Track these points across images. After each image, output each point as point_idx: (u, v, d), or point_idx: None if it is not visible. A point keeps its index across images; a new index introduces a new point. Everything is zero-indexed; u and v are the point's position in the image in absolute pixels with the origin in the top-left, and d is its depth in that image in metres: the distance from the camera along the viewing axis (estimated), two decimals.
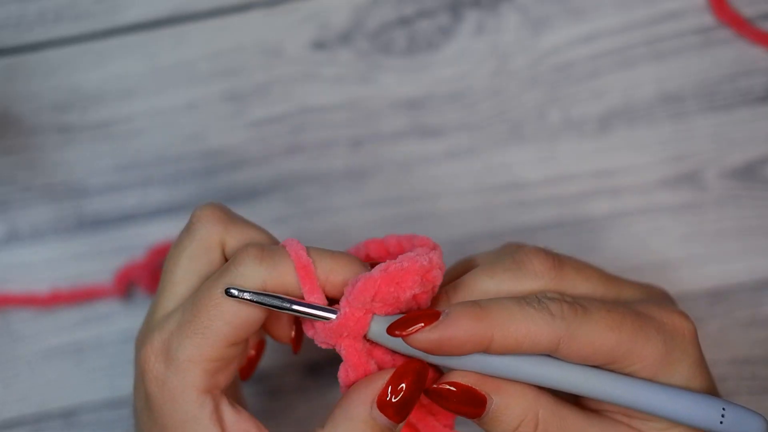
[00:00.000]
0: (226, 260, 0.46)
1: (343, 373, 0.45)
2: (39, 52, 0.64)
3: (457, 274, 0.48)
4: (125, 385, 0.59)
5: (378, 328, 0.44)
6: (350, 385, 0.45)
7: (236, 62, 0.65)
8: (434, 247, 0.46)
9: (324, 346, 0.45)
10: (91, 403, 0.63)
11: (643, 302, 0.47)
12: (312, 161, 0.65)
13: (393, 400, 0.43)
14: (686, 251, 0.64)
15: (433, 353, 0.43)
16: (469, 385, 0.44)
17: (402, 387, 0.44)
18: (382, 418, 0.43)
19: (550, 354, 0.44)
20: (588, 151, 0.64)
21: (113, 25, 0.64)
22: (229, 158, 0.65)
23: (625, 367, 0.44)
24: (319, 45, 0.65)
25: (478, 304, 0.43)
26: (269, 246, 0.45)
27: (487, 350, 0.43)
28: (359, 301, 0.43)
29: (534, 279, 0.45)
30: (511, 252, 0.47)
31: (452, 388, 0.44)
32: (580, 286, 0.46)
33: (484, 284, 0.45)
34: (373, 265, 0.45)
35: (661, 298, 0.49)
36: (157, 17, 0.65)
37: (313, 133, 0.65)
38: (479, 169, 0.64)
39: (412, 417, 0.47)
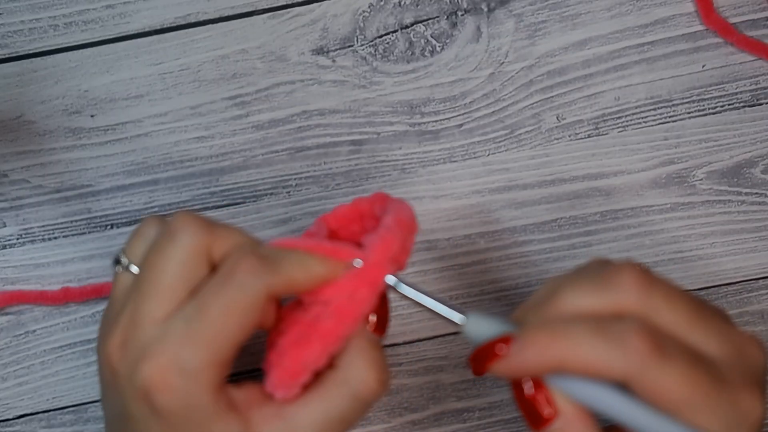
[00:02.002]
0: (213, 266, 0.45)
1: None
2: (50, 57, 0.65)
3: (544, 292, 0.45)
4: None
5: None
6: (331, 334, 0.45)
7: (240, 67, 0.65)
8: (400, 199, 0.48)
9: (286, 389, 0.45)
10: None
11: (728, 365, 0.42)
12: (314, 163, 0.65)
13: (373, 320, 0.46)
14: (676, 251, 0.65)
15: (512, 378, 0.43)
16: (551, 398, 0.43)
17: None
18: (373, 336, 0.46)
19: (622, 385, 0.41)
20: (582, 153, 0.65)
21: (122, 32, 0.65)
22: (234, 160, 0.65)
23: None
24: (321, 50, 0.66)
25: (550, 332, 0.41)
26: (262, 249, 0.45)
27: (561, 373, 0.42)
28: (388, 251, 0.45)
29: (620, 294, 0.42)
30: (601, 265, 0.44)
31: (525, 391, 0.43)
32: (664, 315, 0.42)
33: (567, 297, 0.43)
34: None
35: (752, 364, 0.43)
36: (163, 24, 0.65)
37: (315, 136, 0.65)
38: (477, 171, 0.65)
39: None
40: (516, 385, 0.44)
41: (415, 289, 0.46)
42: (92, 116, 0.65)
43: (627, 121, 0.65)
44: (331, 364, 0.45)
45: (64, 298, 0.64)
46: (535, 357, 0.41)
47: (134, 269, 0.47)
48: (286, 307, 0.48)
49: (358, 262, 0.46)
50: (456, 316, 0.45)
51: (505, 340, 0.42)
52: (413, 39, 0.66)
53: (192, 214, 0.45)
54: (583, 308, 0.42)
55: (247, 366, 0.61)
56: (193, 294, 0.44)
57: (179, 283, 0.44)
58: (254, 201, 0.65)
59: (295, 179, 0.65)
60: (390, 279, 0.46)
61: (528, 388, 0.43)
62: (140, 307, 0.44)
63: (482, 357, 0.43)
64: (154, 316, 0.44)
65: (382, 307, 0.47)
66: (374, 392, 0.45)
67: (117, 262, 0.48)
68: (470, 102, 0.66)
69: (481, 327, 0.45)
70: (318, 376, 0.45)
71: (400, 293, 0.46)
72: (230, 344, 0.43)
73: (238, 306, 0.43)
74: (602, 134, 0.65)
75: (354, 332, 0.45)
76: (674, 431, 0.40)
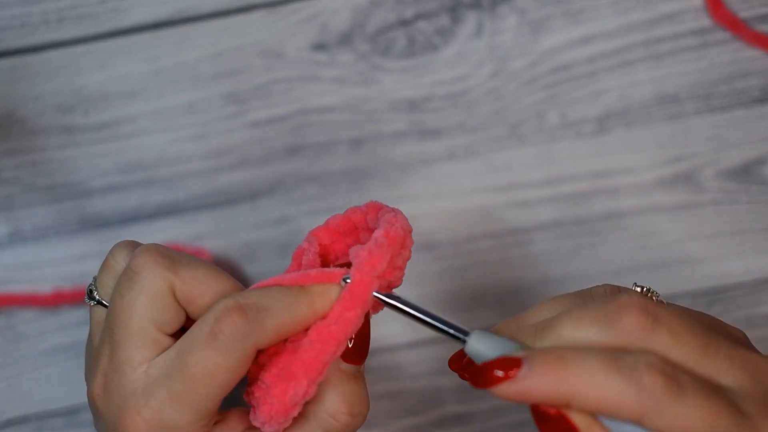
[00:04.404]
0: (179, 304, 0.44)
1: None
2: (42, 53, 0.65)
3: (543, 313, 0.45)
4: None
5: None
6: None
7: (237, 64, 0.65)
8: (394, 210, 0.45)
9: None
10: None
11: (743, 394, 0.40)
12: (312, 162, 0.65)
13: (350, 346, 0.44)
14: (683, 251, 0.64)
15: (512, 401, 0.41)
16: (578, 427, 0.41)
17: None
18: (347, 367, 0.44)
19: (633, 423, 0.40)
20: (586, 151, 0.65)
21: (116, 27, 0.65)
22: (230, 159, 0.65)
23: None
24: (320, 47, 0.65)
25: (561, 361, 0.40)
26: (244, 298, 0.43)
27: (568, 408, 0.41)
28: (375, 266, 0.43)
29: (621, 336, 0.41)
30: (604, 301, 0.42)
31: (557, 418, 0.41)
32: (671, 353, 0.41)
33: (568, 334, 0.42)
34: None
35: (766, 389, 0.42)
36: (158, 19, 0.65)
37: (314, 134, 0.65)
38: (478, 169, 0.65)
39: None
40: (541, 412, 0.42)
41: (407, 304, 0.44)
42: (85, 114, 0.65)
43: (633, 119, 0.65)
44: None
45: (56, 300, 0.63)
46: (545, 385, 0.40)
47: (106, 303, 0.46)
48: None
49: (345, 281, 0.43)
50: (458, 332, 0.43)
51: (515, 361, 0.41)
52: (414, 35, 0.65)
53: (151, 252, 0.44)
54: (586, 342, 0.41)
55: None
56: (169, 336, 0.44)
57: (149, 325, 0.43)
58: (251, 200, 0.65)
59: (292, 178, 0.65)
60: (379, 295, 0.44)
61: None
62: (116, 352, 0.43)
63: (486, 375, 0.41)
64: (132, 361, 0.43)
65: (362, 331, 0.45)
66: (348, 426, 0.44)
67: (90, 294, 0.47)
68: (472, 99, 0.65)
69: (485, 344, 0.43)
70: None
71: (395, 308, 0.44)
72: (215, 402, 0.43)
73: (223, 368, 0.42)
74: (607, 132, 0.65)
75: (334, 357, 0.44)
76: None
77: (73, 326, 0.64)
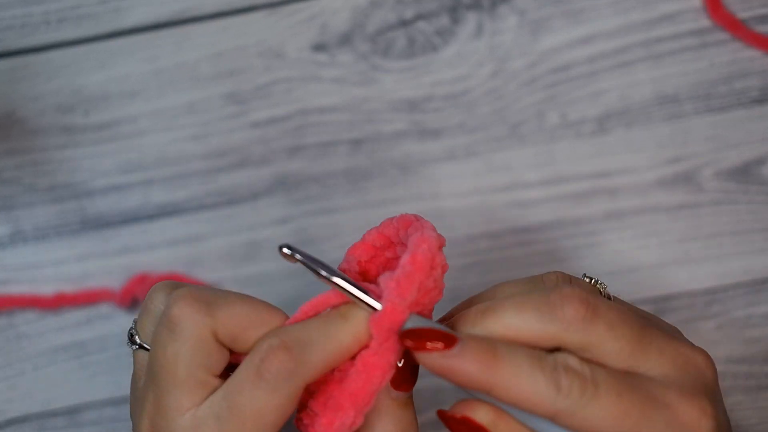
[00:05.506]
0: (223, 345, 0.44)
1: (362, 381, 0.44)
2: (43, 54, 0.65)
3: (495, 296, 0.46)
4: (127, 384, 0.59)
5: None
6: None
7: (238, 64, 0.65)
8: (422, 226, 0.45)
9: None
10: (94, 402, 0.64)
11: (667, 383, 0.43)
12: (312, 162, 0.65)
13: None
14: (682, 251, 0.64)
15: (435, 373, 0.43)
16: (484, 426, 0.43)
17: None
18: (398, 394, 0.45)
19: (547, 419, 0.42)
20: (586, 152, 0.65)
21: (116, 28, 0.65)
22: (231, 159, 0.65)
23: None
24: (320, 47, 0.65)
25: (492, 352, 0.42)
26: (287, 335, 0.43)
27: (487, 394, 0.42)
28: (404, 295, 0.43)
29: (560, 325, 0.43)
30: (547, 289, 0.44)
31: (463, 422, 0.43)
32: (606, 344, 0.43)
33: (510, 318, 0.43)
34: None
35: (697, 377, 0.44)
36: (159, 19, 0.65)
37: (314, 134, 0.65)
38: (478, 169, 0.65)
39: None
40: (447, 417, 0.44)
41: (332, 272, 0.43)
42: (86, 114, 0.65)
43: (632, 119, 0.65)
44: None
45: (58, 303, 0.63)
46: (472, 369, 0.42)
47: (147, 347, 0.46)
48: None
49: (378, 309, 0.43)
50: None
51: (451, 338, 0.42)
52: (414, 35, 0.65)
53: (188, 298, 0.44)
54: (523, 332, 0.43)
55: None
56: (216, 377, 0.44)
57: (196, 371, 0.43)
58: (252, 200, 0.65)
59: (292, 178, 0.65)
60: (287, 250, 0.44)
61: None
62: (162, 398, 0.44)
63: (421, 337, 0.42)
64: (181, 407, 0.43)
65: (409, 358, 0.45)
66: None
67: (131, 339, 0.47)
68: (472, 99, 0.65)
69: (420, 322, 0.44)
70: None
71: (320, 276, 0.44)
72: None
73: (272, 406, 0.42)
74: (607, 132, 0.65)
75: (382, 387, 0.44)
76: None
77: (74, 326, 0.64)
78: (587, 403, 0.41)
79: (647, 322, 0.45)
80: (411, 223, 0.46)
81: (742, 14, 0.65)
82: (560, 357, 0.42)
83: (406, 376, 0.45)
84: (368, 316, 0.44)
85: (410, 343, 0.42)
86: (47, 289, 0.64)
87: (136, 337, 0.47)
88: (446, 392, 0.64)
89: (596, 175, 0.65)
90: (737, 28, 0.64)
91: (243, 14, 0.65)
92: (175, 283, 0.47)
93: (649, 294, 0.64)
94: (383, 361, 0.43)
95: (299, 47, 0.65)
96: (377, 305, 0.43)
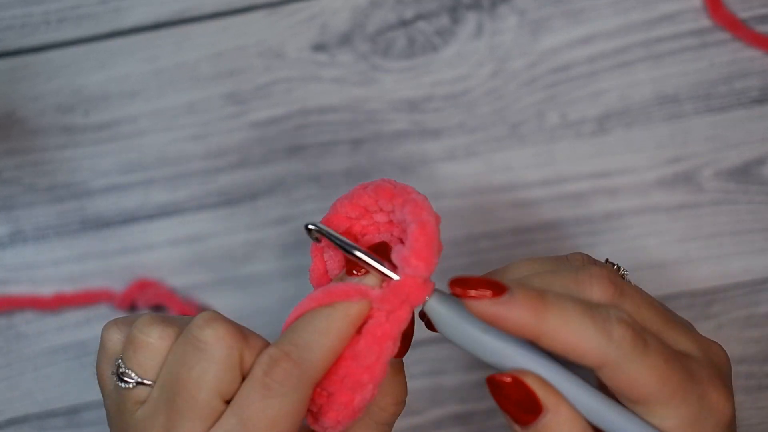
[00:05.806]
0: (243, 376, 0.44)
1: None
2: (43, 54, 0.65)
3: (519, 271, 0.47)
4: None
5: (437, 303, 0.44)
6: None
7: (238, 64, 0.65)
8: (406, 191, 0.46)
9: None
10: (94, 402, 0.64)
11: (700, 362, 0.44)
12: (312, 162, 0.65)
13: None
14: (683, 251, 0.64)
15: (484, 321, 0.43)
16: (534, 390, 0.42)
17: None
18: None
19: (593, 370, 0.42)
20: (586, 152, 0.65)
21: (116, 27, 0.65)
22: (231, 159, 0.65)
23: (647, 413, 0.42)
24: (320, 47, 0.65)
25: (542, 299, 0.42)
26: (283, 343, 0.43)
27: (535, 342, 0.42)
28: (422, 265, 0.43)
29: (593, 300, 0.43)
30: (575, 268, 0.45)
31: (514, 385, 0.43)
32: (636, 318, 0.43)
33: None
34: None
35: (718, 364, 0.45)
36: (159, 19, 0.65)
37: (314, 134, 0.65)
38: (478, 169, 0.65)
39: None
40: (496, 381, 0.43)
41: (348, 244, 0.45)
42: (86, 114, 0.65)
43: (632, 119, 0.65)
44: None
45: (57, 303, 0.63)
46: (522, 315, 0.41)
47: (148, 383, 0.44)
48: None
49: (393, 278, 0.44)
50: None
51: (501, 286, 0.42)
52: (414, 35, 0.65)
53: (224, 323, 0.43)
54: None
55: None
56: (226, 404, 0.43)
57: (215, 398, 0.43)
58: (251, 200, 0.65)
59: (292, 178, 0.65)
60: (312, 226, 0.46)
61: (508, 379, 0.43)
62: (177, 424, 0.43)
63: (470, 285, 0.43)
64: (194, 430, 0.43)
65: (408, 327, 0.46)
66: (395, 414, 0.47)
67: (121, 378, 0.45)
68: (472, 99, 0.65)
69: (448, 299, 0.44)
70: None
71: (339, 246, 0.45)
72: None
73: (284, 413, 0.42)
74: (607, 132, 0.65)
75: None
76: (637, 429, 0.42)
77: (74, 326, 0.64)
78: (636, 357, 0.41)
79: (667, 309, 0.46)
80: (390, 191, 0.46)
81: (743, 14, 0.65)
82: (613, 309, 0.42)
83: (405, 342, 0.46)
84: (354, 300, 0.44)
85: (459, 290, 0.43)
86: (47, 290, 0.64)
87: (132, 375, 0.45)
88: (446, 392, 0.64)
89: (596, 175, 0.65)
90: (737, 28, 0.64)
91: (243, 14, 0.65)
92: (167, 317, 0.45)
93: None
94: (394, 329, 0.44)
95: (299, 47, 0.65)
96: (394, 276, 0.44)
